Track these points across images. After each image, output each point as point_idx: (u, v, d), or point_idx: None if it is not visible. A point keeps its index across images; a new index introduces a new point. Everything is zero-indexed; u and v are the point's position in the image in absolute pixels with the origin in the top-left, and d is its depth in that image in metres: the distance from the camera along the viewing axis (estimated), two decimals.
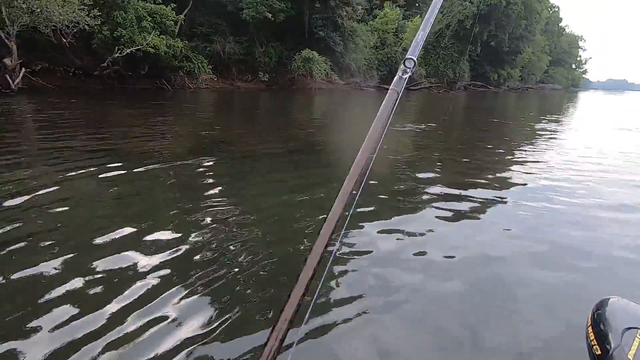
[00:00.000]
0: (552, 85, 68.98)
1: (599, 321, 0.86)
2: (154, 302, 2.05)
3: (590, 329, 0.85)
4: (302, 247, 2.82)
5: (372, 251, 2.81)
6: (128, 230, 2.91)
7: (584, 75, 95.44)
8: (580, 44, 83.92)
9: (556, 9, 67.46)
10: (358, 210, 3.27)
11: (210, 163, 5.30)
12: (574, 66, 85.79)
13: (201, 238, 2.84)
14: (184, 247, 2.68)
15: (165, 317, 1.93)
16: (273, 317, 1.96)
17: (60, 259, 2.43)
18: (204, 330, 1.86)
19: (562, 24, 73.12)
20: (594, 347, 0.81)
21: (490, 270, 2.68)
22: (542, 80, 67.13)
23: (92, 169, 4.54)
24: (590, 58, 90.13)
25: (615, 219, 3.78)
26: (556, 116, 17.05)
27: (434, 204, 3.94)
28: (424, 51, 38.13)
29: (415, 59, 0.78)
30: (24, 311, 1.95)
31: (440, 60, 42.47)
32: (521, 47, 49.51)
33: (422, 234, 3.14)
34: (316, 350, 1.81)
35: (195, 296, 2.13)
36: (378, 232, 3.14)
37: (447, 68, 42.69)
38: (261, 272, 2.43)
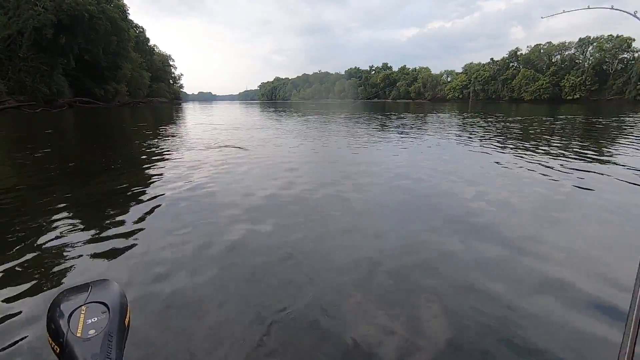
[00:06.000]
0: (159, 98, 75.37)
1: (50, 322, 0.82)
2: None
3: (47, 335, 0.81)
4: None
5: None
6: None
7: (182, 90, 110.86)
8: (171, 62, 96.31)
9: (142, 30, 72.79)
10: None
11: None
12: (171, 82, 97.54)
13: None
14: None
15: None
16: None
17: None
18: None
19: (151, 44, 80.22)
20: (54, 347, 0.78)
21: None
22: (150, 95, 71.71)
23: None
24: (182, 75, 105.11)
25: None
26: (172, 125, 18.68)
27: None
28: None
29: None
30: None
31: (25, 73, 34.90)
32: (119, 63, 49.91)
33: None
34: None
35: None
36: None
37: (39, 83, 35.80)
38: None
